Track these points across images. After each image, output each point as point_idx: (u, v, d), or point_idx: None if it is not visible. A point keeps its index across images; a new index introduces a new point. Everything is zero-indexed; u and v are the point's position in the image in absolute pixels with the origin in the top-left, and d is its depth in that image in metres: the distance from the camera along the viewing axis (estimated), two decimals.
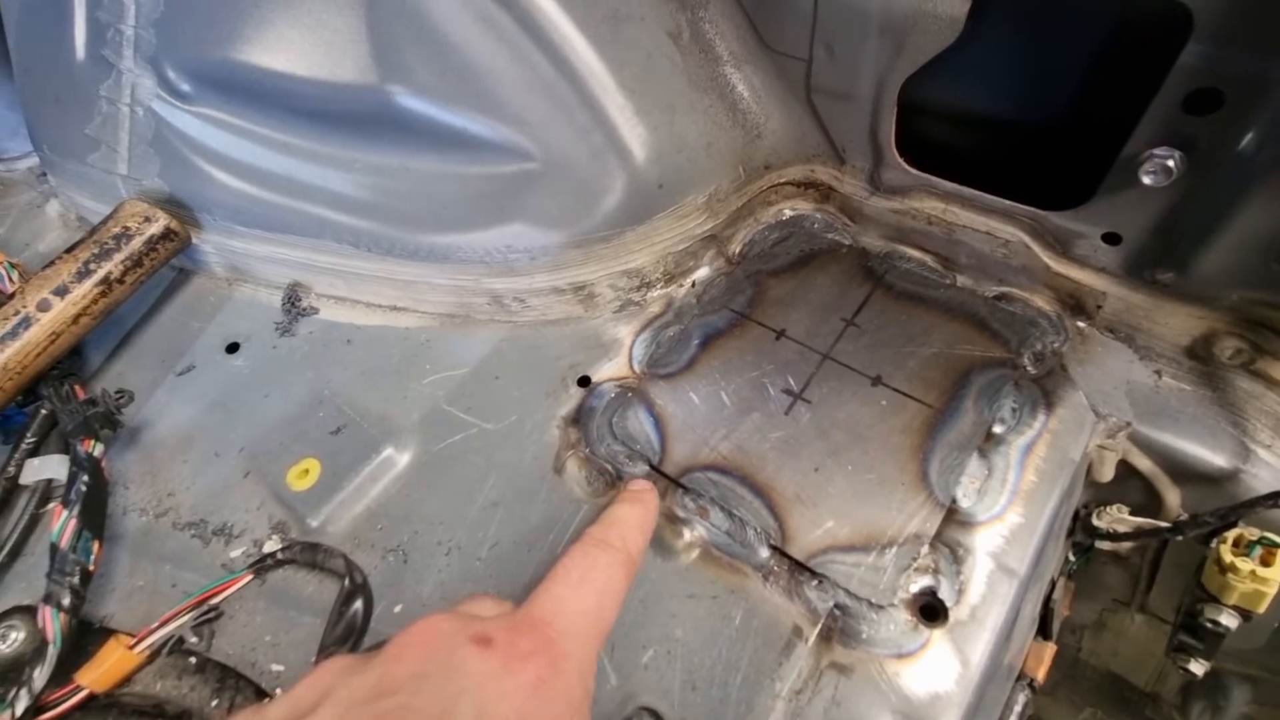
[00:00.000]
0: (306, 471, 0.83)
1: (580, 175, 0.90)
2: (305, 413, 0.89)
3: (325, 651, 0.69)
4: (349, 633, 0.69)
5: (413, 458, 0.85)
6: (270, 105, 0.92)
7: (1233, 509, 0.67)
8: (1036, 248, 0.82)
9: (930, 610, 0.67)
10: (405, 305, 0.99)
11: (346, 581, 0.73)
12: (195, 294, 1.02)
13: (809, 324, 0.90)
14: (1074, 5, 0.66)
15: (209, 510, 0.82)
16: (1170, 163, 0.62)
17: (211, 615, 0.73)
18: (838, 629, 0.67)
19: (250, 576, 0.75)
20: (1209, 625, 0.75)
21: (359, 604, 0.71)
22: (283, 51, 0.89)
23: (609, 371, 0.90)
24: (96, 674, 0.66)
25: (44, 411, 0.81)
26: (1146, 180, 0.64)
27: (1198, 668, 0.83)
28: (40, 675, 0.64)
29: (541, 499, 0.79)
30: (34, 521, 0.80)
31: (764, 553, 0.72)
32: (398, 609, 0.73)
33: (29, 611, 0.71)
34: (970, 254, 0.89)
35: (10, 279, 0.92)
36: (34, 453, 0.81)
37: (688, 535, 0.74)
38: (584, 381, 0.90)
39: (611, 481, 0.80)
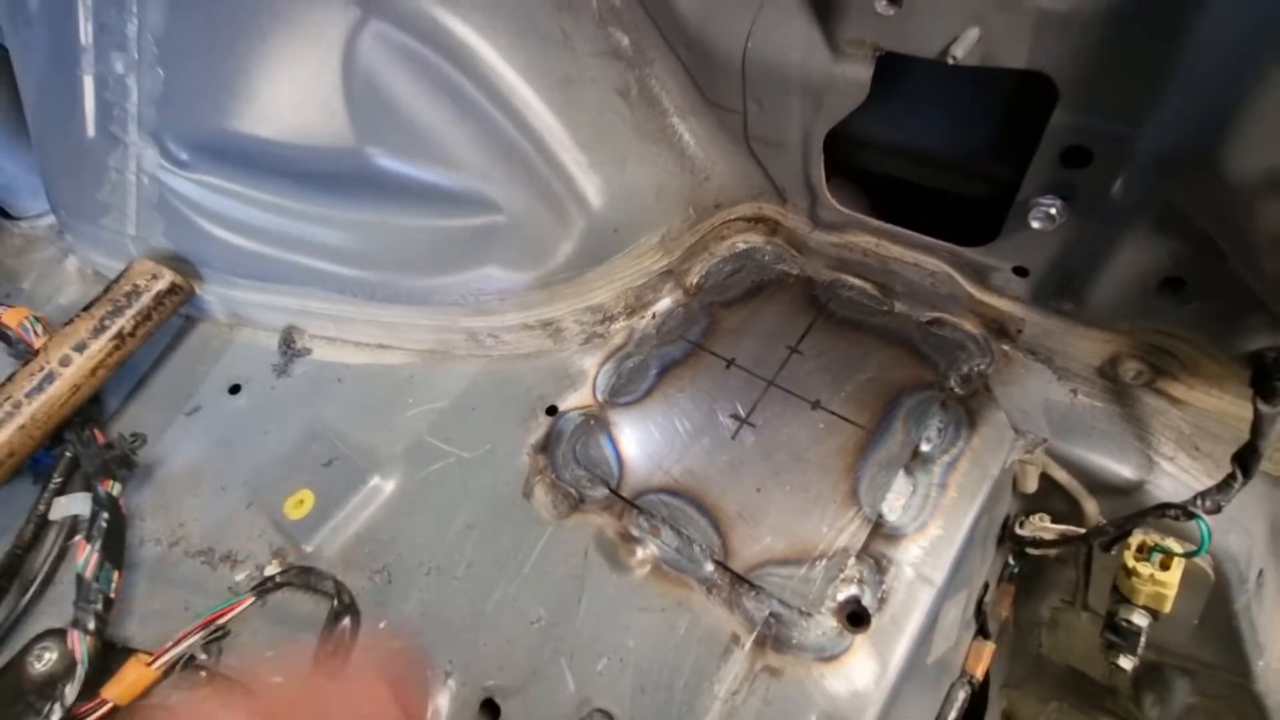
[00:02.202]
0: (302, 501, 0.92)
1: (542, 223, 0.99)
2: (300, 447, 0.98)
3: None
4: (339, 647, 0.78)
5: (397, 486, 0.94)
6: (260, 169, 1.02)
7: (1128, 519, 0.73)
8: (959, 278, 0.89)
9: (856, 617, 0.74)
10: (390, 344, 1.08)
11: (335, 601, 0.81)
12: (200, 339, 1.11)
13: (757, 352, 0.97)
14: (959, 77, 0.73)
15: (216, 539, 0.92)
16: (1053, 210, 0.69)
17: (219, 634, 0.82)
18: (771, 635, 0.74)
19: (252, 599, 0.84)
20: (1125, 624, 0.82)
21: (347, 621, 0.80)
22: (269, 120, 0.99)
23: (574, 401, 0.98)
24: (119, 689, 0.75)
25: (68, 455, 0.91)
26: (1035, 225, 0.71)
27: (1126, 663, 0.89)
28: (70, 691, 0.73)
29: (512, 522, 0.88)
30: (62, 554, 0.90)
31: (708, 567, 0.80)
32: (382, 625, 0.82)
33: (59, 634, 0.81)
34: (904, 283, 0.96)
35: (36, 332, 1.02)
36: (60, 492, 0.91)
37: (640, 553, 0.82)
38: (551, 410, 0.98)
39: (575, 504, 0.88)
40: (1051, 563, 1.06)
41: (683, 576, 0.80)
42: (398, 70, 0.92)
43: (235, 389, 1.05)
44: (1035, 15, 0.60)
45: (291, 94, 0.96)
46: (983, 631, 0.94)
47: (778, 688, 0.71)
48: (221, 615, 0.83)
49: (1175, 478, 0.79)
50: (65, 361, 0.91)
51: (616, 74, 0.96)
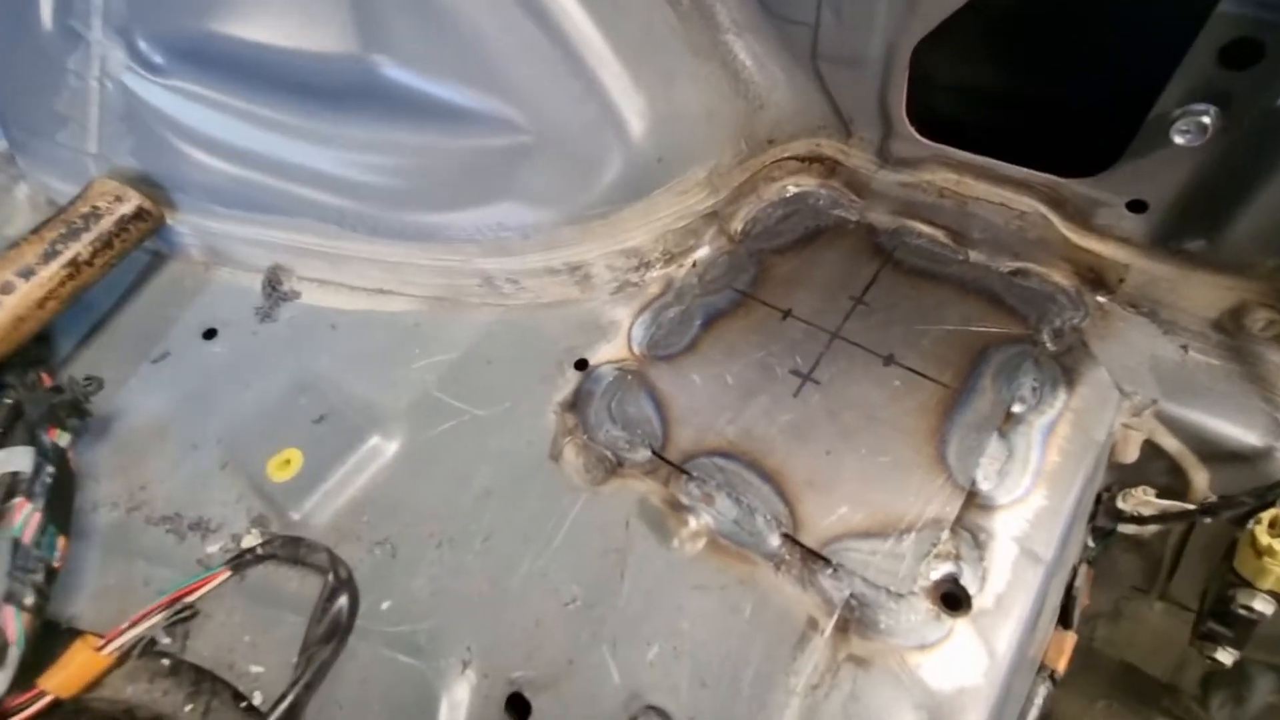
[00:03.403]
0: (288, 462, 0.79)
1: (575, 148, 0.86)
2: (287, 401, 0.84)
3: (308, 651, 0.65)
4: (333, 631, 0.65)
5: (401, 446, 0.80)
6: (248, 78, 0.88)
7: (1271, 488, 0.63)
8: (1055, 219, 0.79)
9: (952, 599, 0.63)
10: (392, 288, 0.94)
11: (330, 577, 0.68)
12: (170, 278, 0.97)
13: (816, 303, 0.86)
14: None
15: (185, 504, 0.78)
16: (1206, 119, 0.59)
17: (187, 614, 0.69)
18: (855, 620, 0.63)
19: (228, 573, 0.71)
20: (1241, 612, 0.72)
21: (344, 600, 0.67)
22: (261, 20, 0.85)
23: (607, 354, 0.86)
24: (62, 677, 0.61)
25: (8, 401, 0.76)
26: (1179, 140, 0.60)
27: (1226, 656, 0.79)
28: (1, 679, 0.59)
29: (538, 488, 0.75)
30: None
31: (775, 540, 0.68)
32: (385, 605, 0.69)
33: None
34: (984, 227, 0.85)
35: None
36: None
37: (693, 523, 0.70)
38: (581, 365, 0.85)
39: (612, 468, 0.76)
40: (1123, 547, 0.96)
41: (744, 551, 0.68)
42: None
43: (211, 334, 0.91)
44: None
45: None
46: (1064, 620, 0.83)
47: (866, 681, 0.60)
48: (190, 592, 0.69)
49: None
50: (7, 289, 0.76)
51: (668, 16, 0.84)
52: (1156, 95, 0.62)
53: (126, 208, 0.85)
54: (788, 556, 0.67)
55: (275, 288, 0.93)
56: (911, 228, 0.91)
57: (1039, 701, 0.80)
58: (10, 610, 0.61)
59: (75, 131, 0.92)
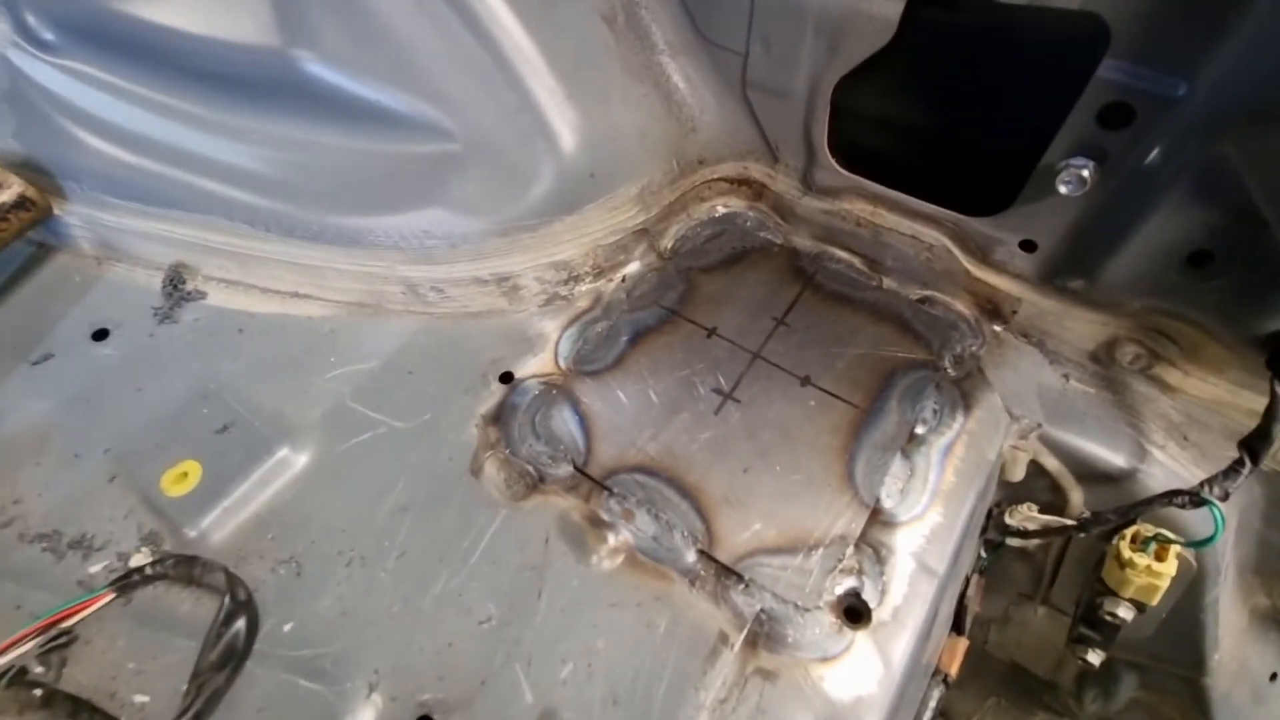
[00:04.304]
0: (185, 475, 0.74)
1: (506, 159, 0.86)
2: (186, 409, 0.79)
3: (199, 679, 0.61)
4: (229, 656, 0.62)
5: (312, 459, 0.77)
6: (153, 63, 0.82)
7: (1132, 507, 0.70)
8: (958, 252, 0.84)
9: (854, 612, 0.66)
10: (308, 292, 0.90)
11: (227, 599, 0.65)
12: (57, 273, 0.89)
13: (740, 322, 0.88)
14: (1000, 21, 0.68)
15: (65, 520, 0.72)
16: (1085, 172, 0.64)
17: (63, 640, 0.63)
18: (763, 634, 0.65)
19: (112, 595, 0.66)
20: (1107, 618, 0.79)
21: (241, 623, 0.63)
22: (169, 3, 0.80)
23: (533, 368, 0.86)
24: None
25: None
26: (1062, 189, 0.66)
27: (1095, 657, 0.87)
28: None
29: (457, 503, 0.74)
30: None
31: (691, 556, 0.70)
32: (288, 627, 0.66)
33: None
34: (896, 257, 0.90)
35: None
36: None
37: (612, 540, 0.71)
38: (506, 378, 0.85)
39: (533, 484, 0.75)
40: (1011, 556, 1.03)
41: (661, 567, 0.69)
42: None
43: (101, 335, 0.85)
44: None
45: None
46: (957, 627, 0.89)
47: (772, 693, 0.62)
48: (68, 616, 0.64)
49: (1165, 466, 0.77)
50: None
51: (600, 30, 0.84)
52: (1045, 145, 0.68)
53: (7, 195, 0.78)
54: (703, 572, 0.69)
55: (177, 287, 0.87)
56: (831, 253, 0.96)
57: (932, 704, 0.85)
58: None
59: None
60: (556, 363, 0.86)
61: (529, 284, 0.91)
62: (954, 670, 0.87)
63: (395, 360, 0.86)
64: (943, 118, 0.78)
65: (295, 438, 0.77)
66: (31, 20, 0.80)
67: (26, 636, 0.62)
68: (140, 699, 0.62)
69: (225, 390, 0.81)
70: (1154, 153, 0.62)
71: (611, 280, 0.94)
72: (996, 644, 1.21)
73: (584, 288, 0.93)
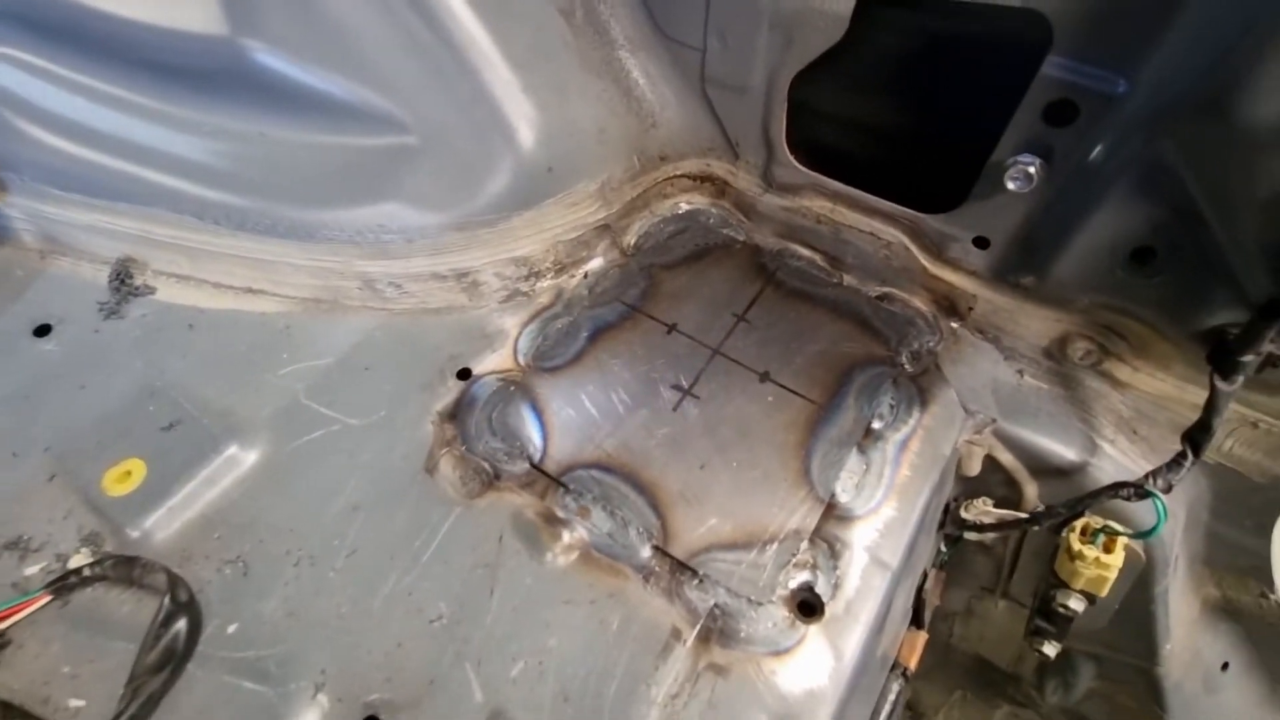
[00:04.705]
0: (129, 474, 0.72)
1: (462, 153, 0.84)
2: (131, 406, 0.77)
3: (136, 681, 0.59)
4: (166, 659, 0.60)
5: (261, 457, 0.76)
6: (96, 51, 0.80)
7: (1080, 500, 0.71)
8: (915, 249, 0.85)
9: (807, 606, 0.67)
10: (261, 287, 0.88)
11: (167, 599, 0.63)
12: None
13: (701, 319, 0.88)
14: (946, 19, 0.68)
15: (1, 521, 0.69)
16: (1031, 169, 0.65)
17: None
18: (717, 629, 0.65)
19: (49, 598, 0.64)
20: (1060, 610, 0.80)
21: (181, 624, 0.62)
22: None
23: (492, 364, 0.85)
24: None
25: None
26: (1011, 185, 0.67)
27: (1051, 649, 0.89)
28: None
29: (410, 501, 0.73)
30: None
31: (645, 552, 0.69)
32: (232, 628, 0.64)
33: None
34: (856, 254, 0.91)
35: None
36: None
37: (567, 537, 0.70)
38: (464, 374, 0.83)
39: (488, 481, 0.74)
40: (973, 550, 1.04)
41: (616, 564, 0.69)
42: None
43: (43, 330, 0.82)
44: None
45: None
46: (917, 620, 0.90)
47: (724, 688, 0.62)
48: (3, 618, 0.62)
49: (1115, 460, 0.78)
50: None
51: (556, 24, 0.84)
52: (994, 143, 0.68)
53: None
54: (657, 568, 0.68)
55: (125, 282, 0.85)
56: (793, 250, 0.96)
57: (892, 696, 0.85)
58: None
59: None
60: (516, 359, 0.85)
61: (489, 280, 0.90)
62: (913, 663, 0.88)
63: (351, 357, 0.84)
64: (896, 115, 0.79)
65: (244, 435, 0.76)
66: None
67: None
68: (75, 703, 0.60)
69: (173, 387, 0.79)
70: (1097, 149, 0.62)
71: (574, 276, 0.94)
72: (960, 637, 1.23)
73: (545, 284, 0.92)
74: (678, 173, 0.98)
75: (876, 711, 0.83)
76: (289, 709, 0.60)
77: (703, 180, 0.99)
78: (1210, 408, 0.64)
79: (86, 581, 0.65)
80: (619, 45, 0.88)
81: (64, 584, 0.64)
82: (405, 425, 0.79)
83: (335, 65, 0.79)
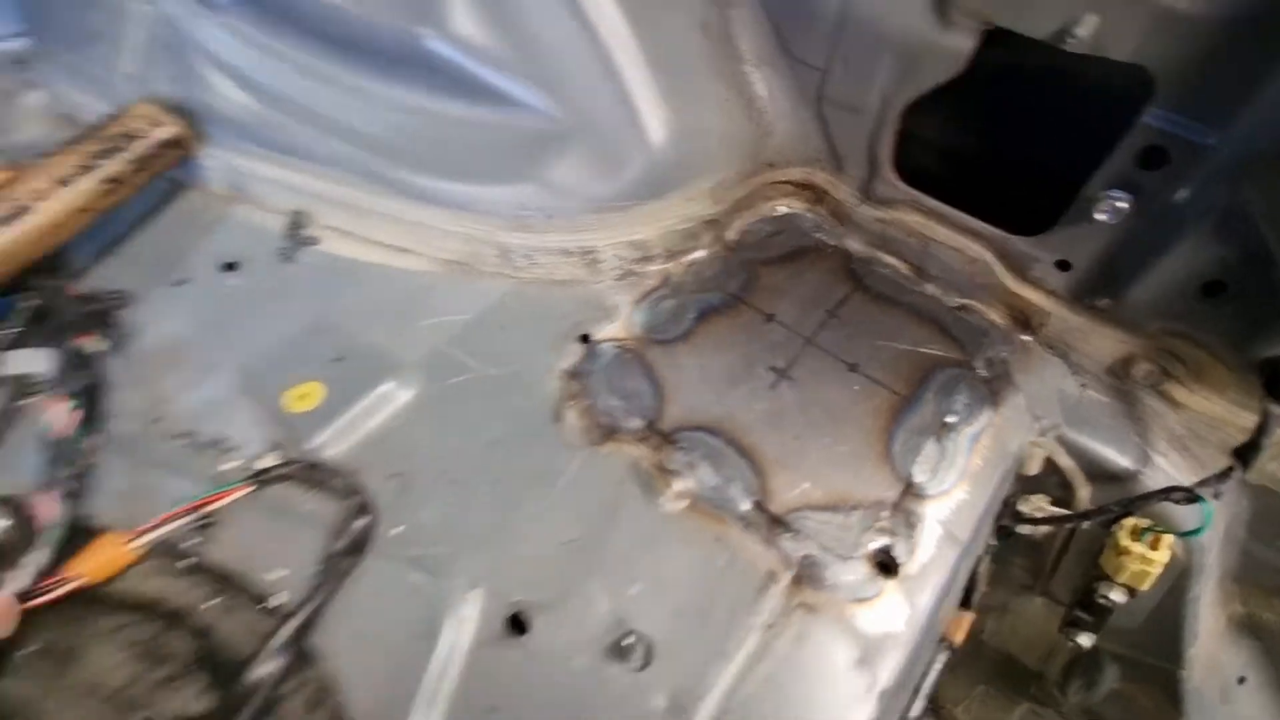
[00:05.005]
0: (306, 395, 0.84)
1: (602, 144, 0.96)
2: (306, 338, 0.89)
3: (328, 562, 0.71)
4: (352, 546, 0.72)
5: (415, 395, 0.87)
6: (298, 26, 0.92)
7: (1134, 499, 0.80)
8: (999, 267, 0.94)
9: (885, 565, 0.77)
10: (410, 247, 1.00)
11: (348, 500, 0.75)
12: (190, 207, 0.99)
13: (796, 312, 0.98)
14: (1058, 64, 0.77)
15: (202, 422, 0.82)
16: (1121, 204, 0.74)
17: (206, 523, 0.74)
18: (807, 575, 0.75)
19: (250, 488, 0.76)
20: (1101, 601, 0.89)
21: (364, 521, 0.74)
22: None
23: (609, 332, 0.96)
24: (90, 565, 0.66)
25: (34, 304, 0.78)
26: (1099, 217, 0.76)
27: (1086, 640, 0.97)
28: (35, 560, 0.63)
29: (542, 443, 0.84)
30: (6, 416, 0.77)
31: (746, 506, 0.80)
32: (397, 530, 0.76)
33: (7, 502, 0.70)
34: (941, 266, 1.00)
35: None
36: (17, 345, 0.78)
37: (678, 486, 0.81)
38: (584, 339, 0.95)
39: (608, 433, 0.86)
40: (1019, 548, 1.13)
41: (719, 513, 0.79)
42: None
43: (231, 266, 0.95)
44: (1155, 10, 0.64)
45: None
46: (966, 602, 0.99)
47: (812, 623, 0.72)
48: (212, 501, 0.74)
49: (1165, 472, 0.87)
50: (42, 195, 0.78)
51: (700, 5, 0.94)
52: (1088, 177, 0.77)
53: (164, 133, 0.88)
54: (756, 520, 0.79)
55: (297, 231, 0.97)
56: (881, 258, 1.06)
57: (937, 667, 0.95)
58: (54, 494, 0.65)
59: (108, 48, 0.94)
60: (630, 330, 0.96)
61: (608, 258, 1.01)
62: (959, 639, 0.97)
63: (487, 315, 0.96)
64: (998, 144, 0.88)
65: (400, 374, 0.88)
66: None
67: (178, 515, 0.72)
68: (273, 575, 0.72)
69: (337, 327, 0.91)
70: (1183, 192, 0.72)
71: (680, 263, 1.04)
72: (992, 633, 1.31)
73: (654, 267, 1.03)
74: (782, 179, 1.08)
75: (924, 676, 0.92)
76: (448, 599, 0.71)
77: (803, 187, 1.10)
78: (1261, 429, 0.73)
79: (279, 479, 0.77)
80: (746, 60, 0.98)
81: (262, 478, 0.76)
82: (534, 378, 0.90)
83: (498, 58, 0.91)
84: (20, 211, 0.76)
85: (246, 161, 0.98)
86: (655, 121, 0.95)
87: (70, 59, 0.96)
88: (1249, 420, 0.82)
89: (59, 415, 0.69)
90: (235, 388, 0.85)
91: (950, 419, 0.88)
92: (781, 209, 1.11)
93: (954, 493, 0.83)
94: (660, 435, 0.85)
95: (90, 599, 0.67)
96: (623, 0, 0.90)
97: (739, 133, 1.01)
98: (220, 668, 0.65)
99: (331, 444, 0.82)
